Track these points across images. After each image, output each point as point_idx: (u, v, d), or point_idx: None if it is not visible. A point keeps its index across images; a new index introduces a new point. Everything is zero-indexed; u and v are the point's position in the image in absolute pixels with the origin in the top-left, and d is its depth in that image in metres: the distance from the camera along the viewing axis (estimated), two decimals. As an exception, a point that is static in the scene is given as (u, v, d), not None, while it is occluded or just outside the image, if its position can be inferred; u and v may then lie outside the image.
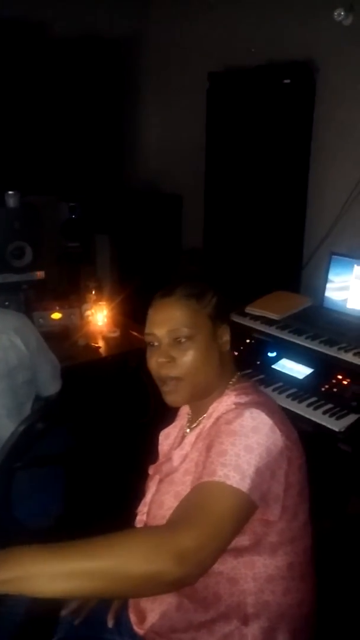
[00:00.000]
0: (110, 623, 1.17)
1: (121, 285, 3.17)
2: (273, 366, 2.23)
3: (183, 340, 1.06)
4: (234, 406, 1.05)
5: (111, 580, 0.81)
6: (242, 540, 0.99)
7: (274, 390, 2.08)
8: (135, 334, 2.48)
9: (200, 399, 1.11)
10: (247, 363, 2.27)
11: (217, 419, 1.05)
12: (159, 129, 3.66)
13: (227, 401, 1.08)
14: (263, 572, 1.02)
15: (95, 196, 3.22)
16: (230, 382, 1.12)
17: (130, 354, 2.39)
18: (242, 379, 1.16)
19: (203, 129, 3.13)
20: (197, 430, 1.12)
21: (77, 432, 1.73)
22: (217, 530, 0.87)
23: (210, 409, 1.10)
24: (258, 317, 2.35)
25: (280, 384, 2.12)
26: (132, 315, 2.59)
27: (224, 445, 0.95)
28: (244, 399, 1.06)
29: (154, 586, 0.83)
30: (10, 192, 2.69)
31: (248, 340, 2.36)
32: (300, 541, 1.05)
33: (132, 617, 1.16)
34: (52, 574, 0.80)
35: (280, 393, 2.06)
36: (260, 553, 1.01)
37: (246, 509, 0.92)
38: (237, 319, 2.38)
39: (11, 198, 2.70)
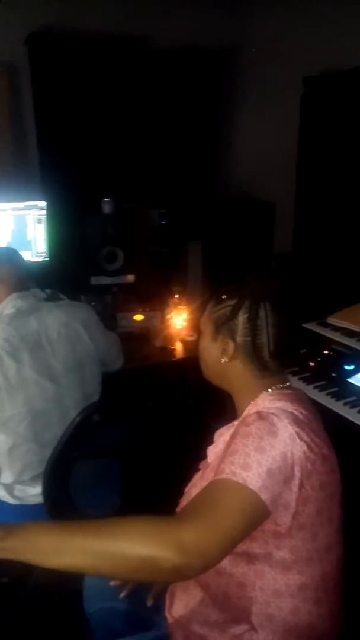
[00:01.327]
0: (149, 602, 1.27)
1: (212, 291, 3.22)
2: (349, 379, 2.17)
3: (200, 332, 1.24)
4: (260, 410, 1.07)
5: (110, 559, 0.87)
6: (253, 547, 1.01)
7: (345, 404, 2.03)
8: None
9: (223, 387, 1.22)
10: (322, 374, 2.22)
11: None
12: (253, 137, 3.67)
13: (260, 405, 1.11)
14: (271, 585, 1.02)
15: (188, 204, 3.30)
16: (273, 388, 1.14)
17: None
18: (290, 387, 1.18)
19: (296, 136, 3.11)
20: (231, 430, 1.15)
21: (140, 428, 1.81)
22: (220, 525, 0.89)
23: (245, 411, 1.15)
24: (339, 328, 2.29)
25: (354, 398, 2.05)
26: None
27: (236, 445, 0.99)
28: (274, 404, 1.08)
29: (152, 571, 0.86)
30: (105, 200, 2.84)
31: (326, 352, 2.31)
32: (318, 564, 1.04)
33: (167, 601, 1.23)
34: (56, 548, 0.89)
35: (351, 407, 2.00)
36: (271, 566, 1.02)
37: (253, 506, 0.93)
38: (317, 329, 2.34)
39: (106, 205, 2.84)
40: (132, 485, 1.74)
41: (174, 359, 2.47)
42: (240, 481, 0.93)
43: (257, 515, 0.94)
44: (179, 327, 2.65)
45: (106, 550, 0.87)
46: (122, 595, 1.30)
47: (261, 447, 0.97)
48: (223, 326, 1.16)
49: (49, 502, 1.62)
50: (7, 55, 2.89)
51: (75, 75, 3.01)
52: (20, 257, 1.99)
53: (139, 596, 1.29)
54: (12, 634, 1.06)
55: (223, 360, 1.16)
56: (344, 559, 1.12)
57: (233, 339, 1.15)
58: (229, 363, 1.16)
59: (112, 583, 1.29)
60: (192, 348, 2.53)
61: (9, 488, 1.71)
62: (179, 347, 2.55)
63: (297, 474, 0.98)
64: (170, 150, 3.35)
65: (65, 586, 0.89)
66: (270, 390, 1.14)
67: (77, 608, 1.36)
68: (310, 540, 1.02)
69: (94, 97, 3.08)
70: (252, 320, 1.12)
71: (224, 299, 1.17)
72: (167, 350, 2.51)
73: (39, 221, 2.77)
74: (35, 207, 2.75)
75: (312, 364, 2.30)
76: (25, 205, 2.73)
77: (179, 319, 2.65)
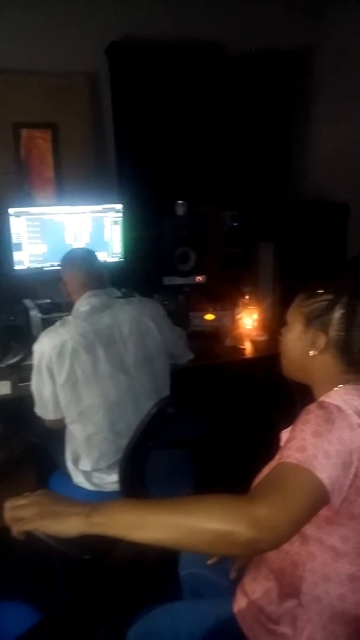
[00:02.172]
0: (232, 575, 1.40)
1: (282, 292, 3.23)
2: None
3: (287, 324, 1.28)
4: (323, 400, 1.12)
5: (188, 533, 0.94)
6: (307, 529, 1.07)
7: None
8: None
9: (302, 380, 1.27)
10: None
11: None
12: (327, 138, 3.64)
13: (331, 397, 1.14)
14: (321, 569, 1.08)
15: (261, 205, 3.32)
16: (350, 382, 1.17)
17: (275, 357, 2.45)
18: None
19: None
20: None
21: (212, 422, 1.87)
22: (289, 503, 0.94)
23: None
24: None
25: None
26: (283, 322, 2.65)
27: (295, 432, 1.05)
28: (342, 397, 1.11)
29: (228, 544, 0.92)
30: (179, 202, 2.92)
31: None
32: None
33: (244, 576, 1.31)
34: (139, 522, 0.97)
35: None
36: (322, 551, 1.08)
37: (312, 486, 0.97)
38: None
39: (180, 207, 2.92)
40: (204, 478, 1.80)
41: (244, 358, 2.51)
42: (295, 462, 0.99)
43: (318, 493, 0.98)
44: (249, 327, 2.69)
45: (185, 524, 0.94)
46: (209, 562, 1.45)
47: (317, 431, 1.02)
48: (316, 319, 1.19)
49: (125, 489, 1.70)
50: (89, 64, 3.02)
51: (152, 82, 3.09)
52: (95, 257, 2.12)
53: (225, 567, 1.42)
54: (100, 603, 1.16)
55: (311, 352, 1.20)
56: None
57: (325, 332, 1.18)
58: (316, 356, 1.20)
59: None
60: (262, 348, 2.58)
61: (87, 475, 1.82)
62: (248, 346, 2.59)
63: (355, 461, 1.01)
64: (243, 152, 3.38)
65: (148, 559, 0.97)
66: (345, 385, 1.16)
67: (171, 572, 1.53)
68: None
69: (170, 103, 3.16)
70: (349, 317, 1.16)
71: (320, 292, 1.20)
72: (238, 349, 2.55)
73: (116, 223, 2.89)
74: (113, 209, 2.87)
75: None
76: (103, 208, 2.85)
77: (249, 319, 2.69)
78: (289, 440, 1.05)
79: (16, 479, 1.85)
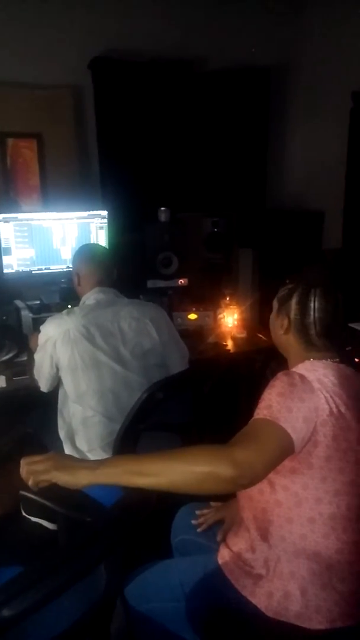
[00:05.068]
0: (219, 537, 1.53)
1: (261, 294, 3.37)
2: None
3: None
4: (289, 370, 1.32)
5: (182, 475, 1.11)
6: (276, 478, 1.24)
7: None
8: (261, 336, 2.71)
9: (283, 354, 1.48)
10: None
11: None
12: (302, 148, 3.81)
13: (298, 368, 1.34)
14: (285, 514, 1.26)
15: (240, 213, 3.47)
16: (317, 357, 1.36)
17: (255, 352, 2.60)
18: (338, 362, 1.36)
19: (345, 148, 3.24)
20: None
21: (196, 409, 1.98)
22: (262, 447, 1.14)
23: None
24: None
25: None
26: (262, 321, 2.80)
27: (264, 395, 1.24)
28: (306, 368, 1.31)
29: (214, 481, 1.09)
30: (162, 209, 3.04)
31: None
32: (326, 505, 1.24)
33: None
34: (141, 469, 1.12)
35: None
36: (287, 498, 1.25)
37: (279, 434, 1.16)
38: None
39: (163, 214, 3.04)
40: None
41: (227, 353, 2.65)
42: (261, 416, 1.19)
43: (284, 439, 1.16)
44: (230, 325, 2.83)
45: (178, 468, 1.12)
46: (199, 529, 1.61)
47: (281, 392, 1.22)
48: (283, 305, 1.42)
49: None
50: (73, 78, 3.13)
51: (133, 95, 3.22)
52: (105, 255, 2.25)
53: (212, 532, 1.58)
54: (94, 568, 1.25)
55: (280, 332, 1.43)
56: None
57: (288, 316, 1.40)
58: (285, 335, 1.42)
59: (193, 522, 1.63)
60: (242, 344, 2.72)
61: (82, 456, 1.92)
62: (230, 343, 2.73)
63: (314, 418, 1.20)
64: (222, 162, 3.53)
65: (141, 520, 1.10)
66: (312, 360, 1.35)
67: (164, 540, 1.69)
68: (319, 481, 1.23)
69: (151, 115, 3.29)
70: (302, 303, 1.37)
71: (287, 283, 1.42)
72: (220, 346, 2.69)
73: (101, 228, 3.00)
74: (98, 215, 2.97)
75: (357, 360, 2.42)
76: (89, 214, 2.95)
77: (230, 318, 2.83)
78: (259, 402, 1.24)
79: (12, 471, 1.93)
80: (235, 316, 2.83)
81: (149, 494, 1.11)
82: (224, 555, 1.38)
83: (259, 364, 2.56)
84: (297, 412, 1.19)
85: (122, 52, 3.18)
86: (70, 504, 1.21)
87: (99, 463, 1.15)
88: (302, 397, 1.21)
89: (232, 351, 2.66)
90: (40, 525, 1.46)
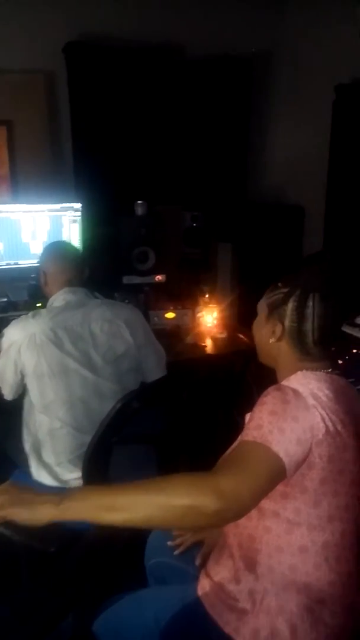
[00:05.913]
0: (197, 561, 1.44)
1: (240, 291, 3.29)
2: (377, 377, 2.21)
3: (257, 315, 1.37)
4: (282, 384, 1.20)
5: (159, 510, 0.98)
6: (265, 503, 1.12)
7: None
8: (241, 336, 2.60)
9: (270, 365, 1.35)
10: (351, 372, 2.26)
11: None
12: (284, 141, 3.73)
13: (291, 381, 1.22)
14: (275, 541, 1.15)
15: (219, 206, 3.37)
16: (309, 369, 1.24)
17: (236, 354, 2.50)
18: (331, 373, 1.26)
19: (327, 142, 3.15)
20: None
21: (174, 417, 1.87)
22: (250, 475, 1.02)
23: None
24: (367, 327, 2.36)
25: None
26: (242, 320, 2.70)
27: (254, 413, 1.12)
28: (300, 381, 1.19)
29: (197, 516, 0.98)
30: (139, 202, 2.92)
31: (355, 350, 2.36)
32: (320, 532, 1.13)
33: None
34: (112, 504, 0.99)
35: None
36: (277, 524, 1.14)
37: (270, 459, 1.05)
38: (347, 329, 2.41)
39: (139, 207, 2.92)
40: (166, 472, 1.80)
41: (205, 355, 2.53)
42: (251, 439, 1.07)
43: (277, 468, 1.05)
44: (209, 325, 2.71)
45: (155, 502, 0.99)
46: (176, 552, 1.49)
47: (273, 411, 1.10)
48: (275, 310, 1.28)
49: (88, 484, 1.68)
50: (46, 63, 2.99)
51: (110, 83, 3.10)
52: (74, 252, 2.11)
53: (191, 555, 1.47)
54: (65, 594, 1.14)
55: (271, 340, 1.29)
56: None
57: (282, 322, 1.27)
58: (276, 343, 1.29)
59: (169, 543, 1.50)
60: (222, 345, 2.61)
61: (50, 470, 1.79)
62: (209, 344, 2.62)
63: (309, 438, 1.09)
64: (202, 154, 3.42)
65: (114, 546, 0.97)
66: (305, 371, 1.24)
67: (136, 563, 1.56)
68: (312, 506, 1.12)
69: (128, 104, 3.17)
70: (299, 309, 1.24)
71: (279, 286, 1.29)
72: (199, 347, 2.57)
73: (74, 222, 2.86)
74: (71, 208, 2.83)
75: (340, 362, 2.35)
76: (61, 207, 2.81)
77: (209, 317, 2.72)
78: (248, 421, 1.12)
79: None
80: (215, 315, 2.72)
81: (120, 531, 0.99)
82: (204, 586, 1.26)
83: (239, 366, 2.46)
84: (291, 433, 1.07)
85: (98, 38, 3.05)
86: (32, 531, 1.07)
87: (63, 496, 1.01)
88: (295, 416, 1.10)
89: (211, 353, 2.55)
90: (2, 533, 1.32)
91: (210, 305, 2.74)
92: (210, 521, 1.03)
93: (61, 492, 1.04)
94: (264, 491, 1.04)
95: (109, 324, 1.87)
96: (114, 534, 0.99)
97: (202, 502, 0.96)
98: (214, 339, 2.64)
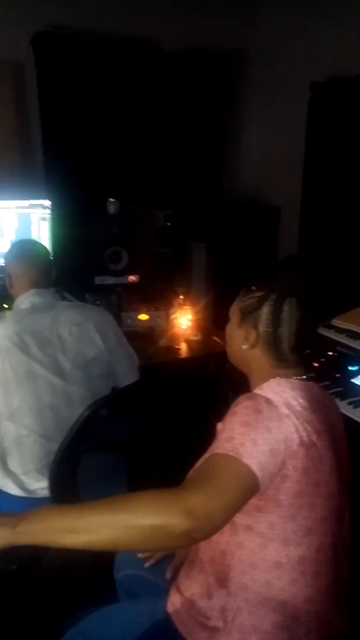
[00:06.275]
0: (168, 574, 1.38)
1: (215, 292, 3.24)
2: (353, 380, 2.19)
3: (229, 319, 1.32)
4: (254, 392, 1.16)
5: (125, 531, 0.92)
6: (238, 517, 1.07)
7: (349, 403, 2.04)
8: (216, 339, 2.55)
9: (243, 370, 1.30)
10: (326, 375, 2.23)
11: None
12: (259, 140, 3.70)
13: (263, 389, 1.17)
14: (248, 557, 1.10)
15: (193, 206, 3.31)
16: (283, 376, 1.20)
17: (209, 357, 2.45)
18: (306, 380, 1.22)
19: (303, 140, 3.13)
20: None
21: (146, 424, 1.81)
22: (221, 491, 0.96)
23: None
24: (343, 330, 2.33)
25: (357, 398, 2.07)
26: (216, 322, 2.65)
27: (225, 424, 1.07)
28: (273, 389, 1.15)
29: (165, 537, 0.91)
30: (111, 200, 2.85)
31: (330, 353, 2.33)
32: (295, 547, 1.08)
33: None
34: (73, 526, 0.92)
35: (355, 407, 2.02)
36: (250, 539, 1.09)
37: (242, 472, 1.00)
38: (322, 331, 2.37)
39: (112, 205, 2.86)
40: (138, 481, 1.74)
41: (179, 358, 2.48)
42: (223, 452, 1.01)
43: (247, 479, 1.00)
44: (183, 327, 2.67)
45: (120, 523, 0.92)
46: (146, 564, 1.43)
47: (245, 422, 1.05)
48: (248, 315, 1.24)
49: (56, 494, 1.63)
50: (14, 54, 2.90)
51: (81, 76, 3.02)
52: (48, 253, 2.03)
53: (162, 567, 1.42)
54: (27, 614, 1.08)
55: (244, 346, 1.24)
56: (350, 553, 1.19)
57: (256, 328, 1.22)
58: (250, 350, 1.24)
59: (139, 555, 1.44)
60: (196, 348, 2.57)
61: (16, 480, 1.72)
62: (183, 346, 2.57)
63: (283, 450, 1.04)
64: (176, 152, 3.37)
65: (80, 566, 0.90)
66: (279, 378, 1.19)
67: (106, 575, 1.51)
68: (287, 520, 1.08)
69: (100, 98, 3.10)
70: (275, 313, 1.19)
71: (253, 289, 1.24)
72: (172, 350, 2.52)
73: (43, 220, 2.77)
74: (40, 206, 2.75)
75: (316, 364, 2.32)
76: (30, 204, 2.73)
77: (183, 319, 2.67)
78: (219, 432, 1.07)
79: None
80: (189, 317, 2.66)
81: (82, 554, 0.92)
82: (174, 602, 1.21)
83: (213, 368, 2.41)
84: (263, 444, 1.02)
85: (69, 29, 2.99)
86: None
87: (20, 517, 0.94)
88: (268, 427, 1.05)
89: (185, 356, 2.50)
90: None
91: (185, 306, 2.70)
92: (179, 542, 0.98)
93: (18, 513, 0.97)
94: (236, 508, 1.00)
95: (78, 328, 1.79)
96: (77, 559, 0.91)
97: (170, 521, 0.90)
98: (188, 342, 2.60)
